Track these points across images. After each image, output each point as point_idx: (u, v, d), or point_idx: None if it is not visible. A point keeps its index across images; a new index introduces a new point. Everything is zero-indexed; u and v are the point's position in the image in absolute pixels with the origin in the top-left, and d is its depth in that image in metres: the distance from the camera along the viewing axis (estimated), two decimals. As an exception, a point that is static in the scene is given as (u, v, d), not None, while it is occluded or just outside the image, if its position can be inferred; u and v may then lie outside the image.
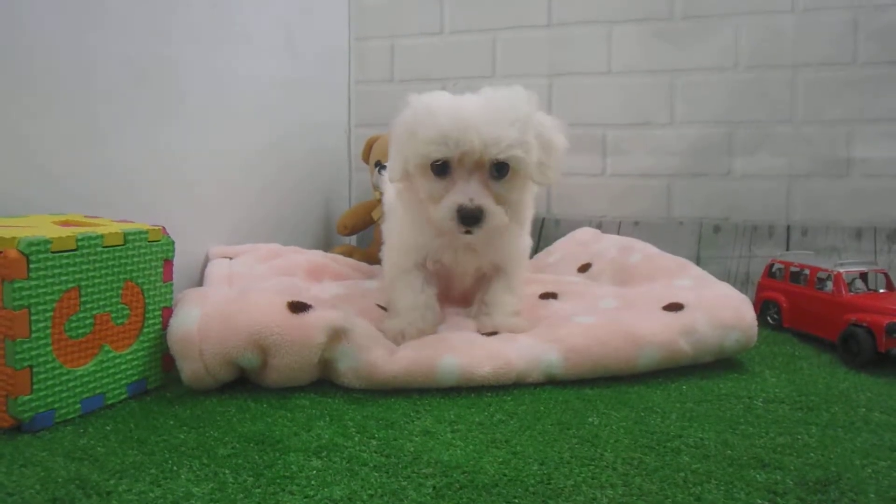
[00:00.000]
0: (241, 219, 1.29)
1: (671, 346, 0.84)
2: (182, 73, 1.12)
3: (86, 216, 0.89)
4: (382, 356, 0.80)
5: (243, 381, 0.82)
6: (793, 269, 1.07)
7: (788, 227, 1.31)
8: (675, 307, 0.89)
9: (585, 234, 1.32)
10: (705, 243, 1.34)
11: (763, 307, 1.10)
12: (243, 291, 0.86)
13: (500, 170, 0.86)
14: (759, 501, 0.56)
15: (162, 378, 0.82)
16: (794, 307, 1.05)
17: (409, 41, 1.59)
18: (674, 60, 1.37)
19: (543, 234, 1.47)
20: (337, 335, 0.80)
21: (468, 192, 0.85)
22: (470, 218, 0.84)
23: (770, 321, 1.09)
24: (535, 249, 1.44)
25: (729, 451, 0.65)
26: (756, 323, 0.89)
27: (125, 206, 0.99)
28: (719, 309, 0.88)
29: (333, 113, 1.62)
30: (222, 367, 0.78)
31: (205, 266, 1.19)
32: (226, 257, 1.19)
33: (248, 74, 1.28)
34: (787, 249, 1.28)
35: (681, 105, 1.38)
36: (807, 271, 1.04)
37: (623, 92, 1.41)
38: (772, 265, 1.12)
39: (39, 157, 0.90)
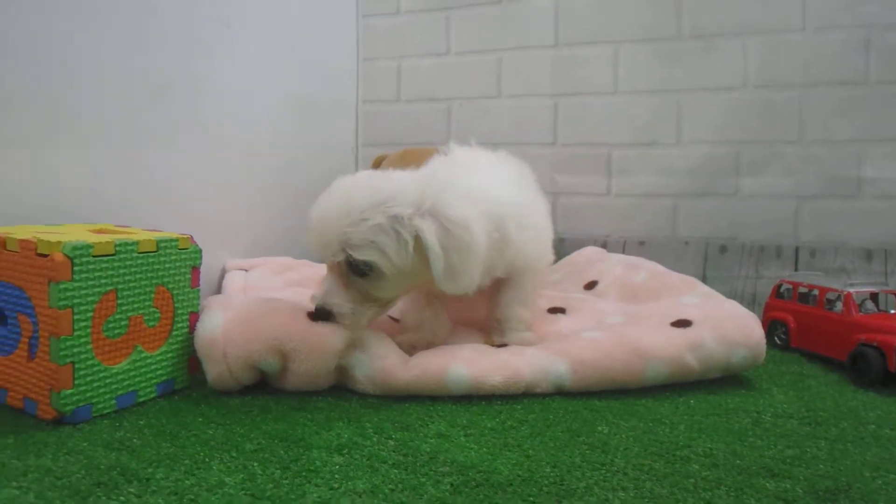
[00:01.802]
0: (257, 234, 1.34)
1: (678, 361, 0.87)
2: (201, 91, 1.17)
3: (116, 226, 0.93)
4: (397, 364, 0.83)
5: (263, 385, 0.85)
6: (801, 289, 1.09)
7: (797, 248, 1.33)
8: (682, 323, 0.91)
9: (591, 252, 1.34)
10: (711, 263, 1.37)
11: (771, 327, 1.12)
12: (265, 298, 0.90)
13: (356, 268, 0.82)
14: (767, 507, 0.58)
15: (188, 379, 0.85)
16: (803, 327, 1.07)
17: (415, 62, 1.63)
18: (681, 80, 1.39)
19: (548, 253, 1.50)
20: (353, 343, 0.83)
21: (325, 286, 0.84)
22: (319, 315, 0.83)
23: (777, 341, 1.11)
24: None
25: (738, 461, 0.67)
26: (764, 340, 0.91)
27: (147, 218, 1.04)
28: (727, 325, 0.90)
29: (341, 132, 1.66)
30: (244, 370, 0.81)
31: (222, 278, 1.23)
32: (241, 269, 1.24)
33: (262, 94, 1.34)
34: (796, 270, 1.30)
35: (687, 124, 1.40)
36: (816, 291, 1.06)
37: (629, 112, 1.44)
38: (780, 285, 1.14)
39: (71, 172, 0.96)
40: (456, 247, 0.81)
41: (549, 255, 1.05)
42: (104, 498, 0.56)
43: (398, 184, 0.83)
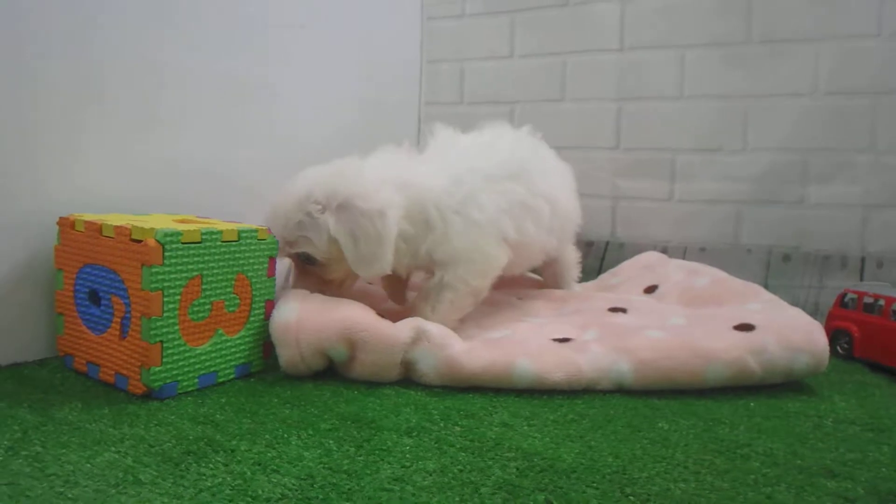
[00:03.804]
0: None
1: (740, 364, 0.87)
2: (277, 92, 1.23)
3: (198, 216, 0.99)
4: (462, 353, 0.86)
5: (332, 373, 0.89)
6: (867, 299, 1.07)
7: (863, 258, 1.30)
8: (745, 327, 0.91)
9: (651, 257, 1.34)
10: (774, 272, 1.35)
11: (834, 336, 1.10)
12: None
13: (304, 258, 0.96)
14: (829, 504, 0.59)
15: (263, 363, 0.90)
16: (867, 337, 1.06)
17: (478, 64, 1.66)
18: (749, 85, 1.38)
19: (606, 258, 1.51)
20: (420, 336, 0.86)
21: (291, 277, 0.99)
22: None
23: (840, 350, 1.09)
24: (598, 271, 1.48)
25: (798, 461, 0.68)
26: (828, 347, 0.91)
27: (226, 210, 1.09)
28: (790, 331, 0.90)
29: (405, 133, 1.69)
30: (315, 356, 0.86)
31: (288, 273, 1.29)
32: None
33: (333, 96, 1.39)
34: (861, 281, 1.28)
35: (754, 131, 1.39)
36: (882, 301, 1.04)
37: (695, 117, 1.43)
38: (844, 294, 1.12)
39: (157, 166, 1.03)
40: (365, 236, 0.91)
41: (489, 252, 1.02)
42: (194, 465, 0.61)
43: (312, 181, 0.94)
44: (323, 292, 0.94)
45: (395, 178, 0.97)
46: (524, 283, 1.37)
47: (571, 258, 1.32)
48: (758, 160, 1.39)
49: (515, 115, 1.63)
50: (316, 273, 0.97)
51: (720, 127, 1.42)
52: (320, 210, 0.92)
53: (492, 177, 1.03)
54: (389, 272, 0.96)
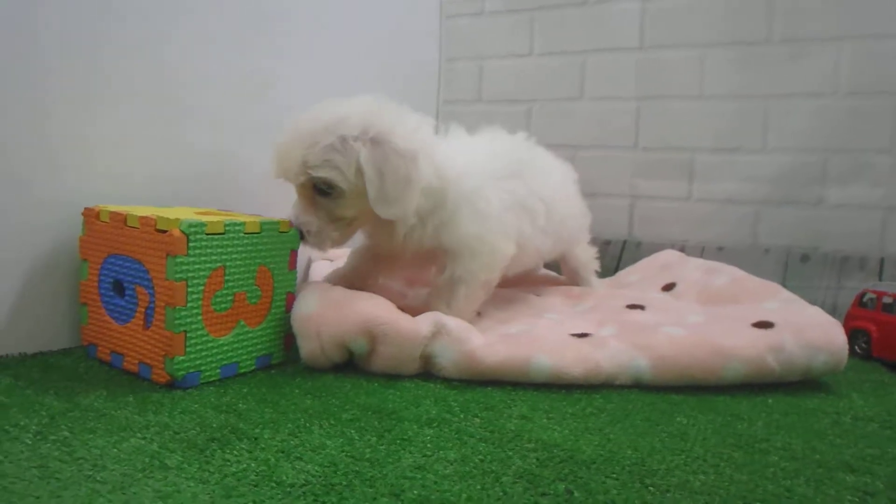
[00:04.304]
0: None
1: (758, 362, 0.87)
2: (295, 90, 1.24)
3: (219, 210, 1.00)
4: (481, 347, 0.86)
5: (352, 365, 0.90)
6: (885, 299, 1.07)
7: (882, 260, 1.30)
8: (764, 325, 0.92)
9: (670, 256, 1.35)
10: (791, 272, 1.35)
11: (852, 336, 1.10)
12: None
13: (319, 188, 0.90)
14: (850, 498, 0.59)
15: (283, 355, 0.91)
16: (886, 337, 1.05)
17: (497, 62, 1.66)
18: (769, 85, 1.38)
19: (624, 257, 1.51)
20: (439, 331, 0.87)
21: (295, 208, 0.93)
22: (300, 234, 0.92)
23: (858, 350, 1.09)
24: (615, 270, 1.48)
25: (817, 456, 0.68)
26: (846, 347, 0.90)
27: (246, 204, 1.10)
28: (809, 330, 0.90)
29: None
30: (336, 349, 0.86)
31: (308, 267, 1.30)
32: (327, 259, 1.30)
33: (353, 93, 1.39)
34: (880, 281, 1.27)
35: (773, 131, 1.39)
36: (900, 301, 1.04)
37: (714, 116, 1.43)
38: (863, 294, 1.12)
39: (177, 161, 1.05)
40: (394, 174, 0.88)
41: (495, 244, 1.02)
42: (219, 451, 0.62)
43: (347, 109, 0.91)
44: (325, 233, 0.92)
45: (425, 141, 0.95)
46: (542, 280, 1.37)
47: (586, 256, 1.32)
48: (777, 160, 1.39)
49: (533, 114, 1.64)
50: (325, 208, 0.92)
51: (739, 127, 1.41)
52: (355, 138, 0.88)
53: (495, 175, 1.04)
54: (409, 220, 0.94)
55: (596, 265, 1.34)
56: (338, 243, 0.97)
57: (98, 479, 0.57)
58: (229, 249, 0.82)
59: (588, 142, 1.53)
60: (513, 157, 1.11)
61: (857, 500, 0.59)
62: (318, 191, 0.91)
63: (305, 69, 1.27)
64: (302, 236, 0.92)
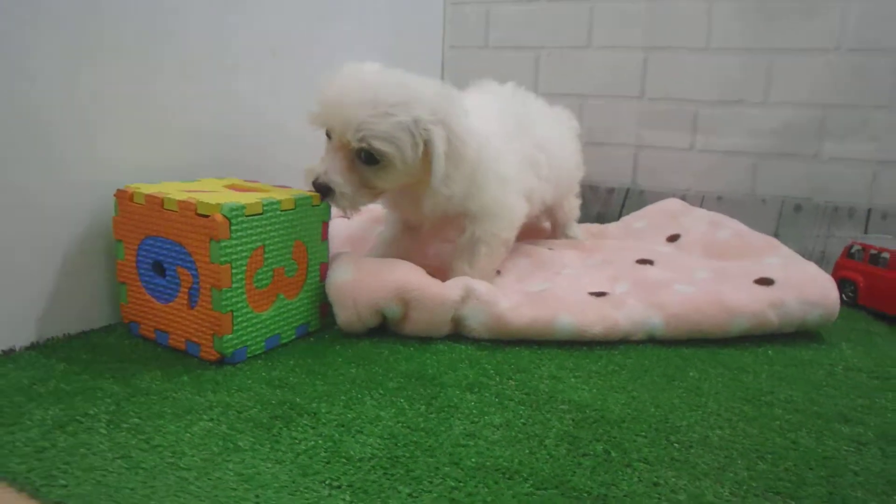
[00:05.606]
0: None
1: (761, 317, 0.95)
2: (307, 53, 1.24)
3: (244, 180, 1.03)
4: (508, 309, 0.92)
5: (384, 329, 0.95)
6: (872, 251, 1.14)
7: (869, 210, 1.36)
8: (765, 282, 0.99)
9: (674, 204, 1.40)
10: (785, 221, 1.41)
11: (840, 285, 1.17)
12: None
13: (368, 156, 0.90)
14: (846, 448, 0.67)
15: (320, 323, 0.96)
16: (871, 287, 1.13)
17: (504, 7, 1.63)
18: (774, 40, 1.39)
19: (627, 204, 1.56)
20: (469, 295, 0.92)
21: (327, 164, 0.92)
22: (318, 189, 0.92)
23: (845, 298, 1.17)
24: (618, 216, 1.53)
25: (815, 408, 0.76)
26: (839, 302, 0.98)
27: (266, 171, 1.13)
28: (807, 287, 0.97)
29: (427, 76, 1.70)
30: (371, 314, 0.92)
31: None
32: (343, 217, 1.33)
33: (361, 48, 1.39)
34: (866, 232, 1.34)
35: (776, 85, 1.41)
36: (886, 254, 1.11)
37: (719, 69, 1.45)
38: (851, 246, 1.19)
39: (201, 130, 1.06)
40: (454, 156, 0.91)
41: (514, 205, 1.07)
42: (285, 429, 0.67)
43: (422, 87, 0.92)
44: (355, 198, 0.93)
45: (473, 124, 0.98)
46: (532, 232, 1.42)
47: (570, 206, 1.38)
48: (778, 114, 1.42)
49: (541, 61, 1.63)
50: (363, 174, 0.92)
51: (744, 80, 1.44)
52: (428, 120, 0.89)
53: (508, 136, 1.08)
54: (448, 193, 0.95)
55: (577, 215, 1.41)
56: (357, 208, 0.99)
57: (181, 465, 0.60)
58: (268, 228, 0.86)
59: (595, 90, 1.55)
60: (519, 113, 1.15)
61: (852, 450, 0.67)
62: (362, 157, 0.91)
63: (319, 30, 1.26)
64: (323, 191, 0.92)
